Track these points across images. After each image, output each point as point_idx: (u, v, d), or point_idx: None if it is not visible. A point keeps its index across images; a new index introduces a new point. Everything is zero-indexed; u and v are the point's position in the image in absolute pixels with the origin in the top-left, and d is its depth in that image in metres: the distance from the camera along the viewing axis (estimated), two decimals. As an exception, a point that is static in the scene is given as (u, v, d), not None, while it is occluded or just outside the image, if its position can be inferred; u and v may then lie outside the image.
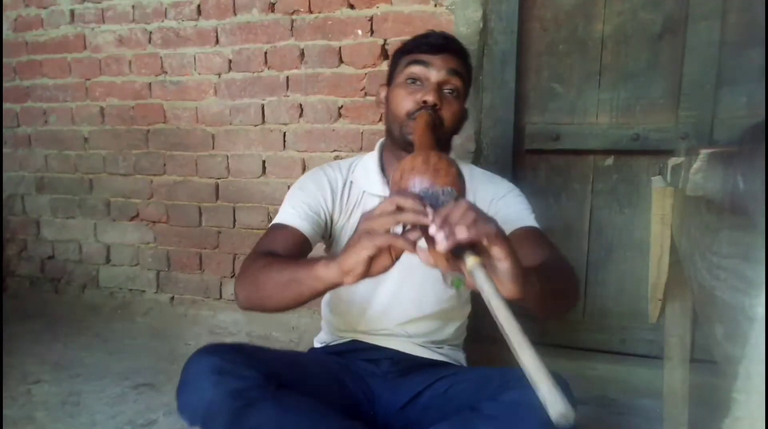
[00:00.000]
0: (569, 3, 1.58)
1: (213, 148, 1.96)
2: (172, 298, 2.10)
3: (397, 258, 0.66)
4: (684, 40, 1.47)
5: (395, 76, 1.03)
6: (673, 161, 0.85)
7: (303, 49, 1.78)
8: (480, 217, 0.60)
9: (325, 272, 0.71)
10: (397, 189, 0.68)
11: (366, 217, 0.66)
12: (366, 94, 1.72)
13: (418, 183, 0.66)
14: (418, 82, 0.98)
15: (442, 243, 0.58)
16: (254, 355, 0.83)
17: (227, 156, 1.94)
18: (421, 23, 1.61)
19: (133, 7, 1.98)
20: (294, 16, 1.78)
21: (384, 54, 1.68)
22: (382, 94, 1.07)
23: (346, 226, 1.05)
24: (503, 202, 1.03)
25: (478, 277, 0.57)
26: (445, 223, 0.58)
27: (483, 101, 1.64)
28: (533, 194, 1.66)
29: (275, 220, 1.01)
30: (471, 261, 0.58)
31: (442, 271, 0.61)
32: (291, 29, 1.79)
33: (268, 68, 1.84)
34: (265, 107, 1.86)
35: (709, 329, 0.45)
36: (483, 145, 1.66)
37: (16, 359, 1.65)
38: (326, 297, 1.13)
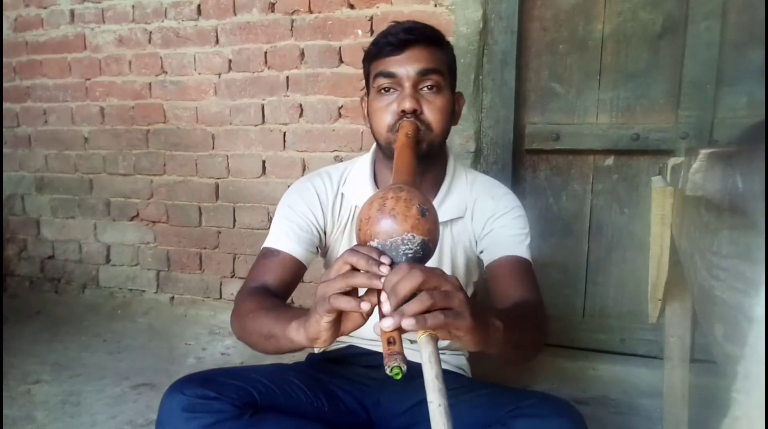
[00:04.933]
0: (569, 3, 1.58)
1: (213, 148, 1.96)
2: (172, 298, 2.11)
3: (369, 315, 0.62)
4: (684, 40, 1.47)
5: (370, 87, 0.96)
6: (672, 161, 0.85)
7: (303, 49, 1.78)
8: (434, 290, 0.56)
9: (296, 336, 0.70)
10: (359, 240, 0.65)
11: (323, 279, 0.65)
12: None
13: (377, 234, 0.61)
14: (392, 89, 0.91)
15: (387, 322, 0.56)
16: (227, 384, 0.82)
17: (227, 156, 1.94)
18: (421, 23, 1.61)
19: (133, 7, 1.99)
20: (294, 16, 1.78)
21: (384, 54, 1.68)
22: (365, 107, 1.00)
23: (340, 239, 1.02)
24: (499, 223, 0.98)
25: (424, 354, 0.55)
26: (393, 296, 0.56)
27: (483, 101, 1.64)
28: (533, 194, 1.67)
29: (266, 243, 0.98)
30: (423, 334, 0.56)
31: (384, 353, 0.57)
32: (291, 29, 1.79)
33: (268, 68, 1.84)
34: (265, 107, 1.86)
35: (709, 329, 0.45)
36: (483, 145, 1.66)
37: (16, 359, 1.65)
38: None
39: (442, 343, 1.04)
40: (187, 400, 0.78)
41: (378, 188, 1.00)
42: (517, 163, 1.67)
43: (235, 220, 1.97)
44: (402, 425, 0.94)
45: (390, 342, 0.57)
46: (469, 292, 1.10)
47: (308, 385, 0.93)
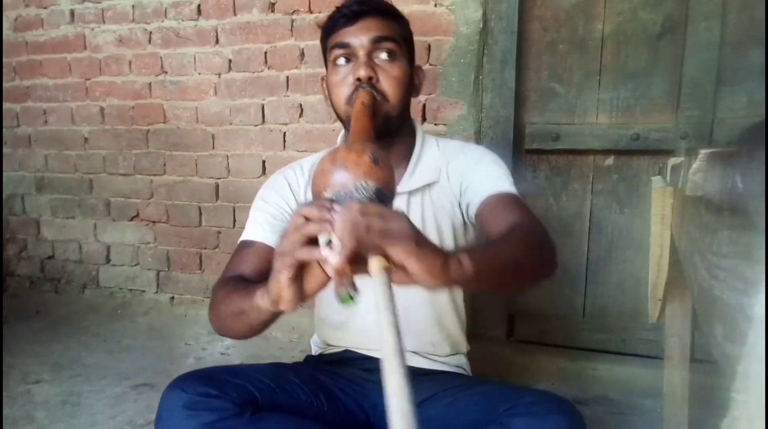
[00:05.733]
0: (569, 3, 1.58)
1: (213, 148, 1.96)
2: (172, 298, 2.11)
3: (332, 271, 0.57)
4: (684, 40, 1.47)
5: (327, 63, 0.97)
6: (672, 161, 0.85)
7: (303, 49, 1.78)
8: (374, 218, 0.53)
9: (261, 301, 0.67)
10: (314, 195, 0.63)
11: (280, 236, 0.62)
12: (366, 94, 1.72)
13: (331, 185, 0.59)
14: (347, 61, 0.91)
15: (333, 256, 0.53)
16: (228, 382, 0.82)
17: (227, 156, 1.94)
18: (421, 23, 1.61)
19: (133, 7, 1.98)
20: (294, 16, 1.78)
21: (384, 54, 1.68)
22: (325, 87, 1.00)
23: None
24: (477, 170, 0.97)
25: (376, 285, 0.52)
26: (338, 229, 0.53)
27: (483, 101, 1.64)
28: (533, 194, 1.66)
29: (242, 237, 0.98)
30: (374, 265, 0.53)
31: (335, 284, 0.55)
32: (291, 29, 1.79)
33: (268, 68, 1.84)
34: (265, 107, 1.86)
35: (709, 329, 0.45)
36: (483, 145, 1.66)
37: (16, 359, 1.65)
38: (315, 308, 1.12)
39: (444, 350, 1.04)
40: (188, 398, 0.78)
41: None
42: (517, 163, 1.66)
43: (235, 220, 1.97)
44: None
45: (340, 274, 0.54)
46: None
47: (308, 385, 0.93)
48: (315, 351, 1.13)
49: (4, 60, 2.22)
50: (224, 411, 0.78)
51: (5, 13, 2.18)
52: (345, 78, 0.91)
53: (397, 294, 0.59)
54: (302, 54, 1.79)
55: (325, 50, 0.97)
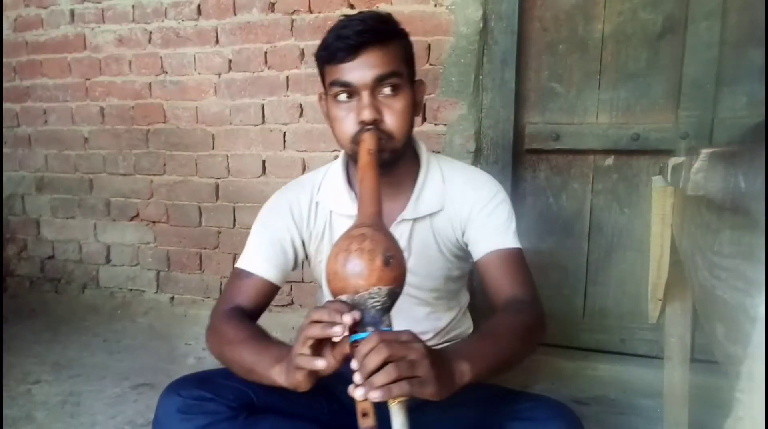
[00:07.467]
0: (569, 3, 1.58)
1: (213, 148, 1.96)
2: (172, 298, 2.10)
3: (343, 361, 0.65)
4: (684, 40, 1.47)
5: (325, 88, 0.91)
6: (673, 161, 0.85)
7: (303, 49, 1.78)
8: (400, 361, 0.59)
9: (279, 379, 0.73)
10: (331, 294, 0.68)
11: (297, 332, 0.68)
12: (366, 94, 1.72)
13: (345, 289, 0.64)
14: (350, 97, 0.86)
15: (358, 392, 0.60)
16: (224, 385, 0.82)
17: (227, 156, 1.94)
18: (421, 23, 1.61)
19: (133, 7, 1.98)
20: (294, 16, 1.78)
21: (384, 54, 1.68)
22: (323, 106, 0.94)
23: (320, 247, 1.00)
24: (484, 213, 0.94)
25: (395, 421, 0.59)
26: (363, 368, 0.60)
27: (483, 101, 1.64)
28: (533, 194, 1.66)
29: (240, 264, 0.97)
30: (393, 402, 0.60)
31: (359, 426, 0.62)
32: (291, 29, 1.79)
33: (268, 68, 1.84)
34: (265, 107, 1.86)
35: (710, 329, 0.45)
36: (483, 145, 1.66)
37: (16, 359, 1.65)
38: (317, 299, 1.12)
39: (451, 334, 1.05)
40: (183, 402, 0.79)
41: (352, 189, 0.98)
42: (517, 163, 1.66)
43: (235, 220, 1.97)
44: None
45: (364, 414, 0.61)
46: (456, 288, 1.07)
47: None
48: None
49: (4, 60, 2.22)
50: (218, 414, 0.78)
51: (5, 13, 2.18)
52: (348, 115, 0.86)
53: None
54: (302, 54, 1.79)
55: (322, 74, 0.91)
